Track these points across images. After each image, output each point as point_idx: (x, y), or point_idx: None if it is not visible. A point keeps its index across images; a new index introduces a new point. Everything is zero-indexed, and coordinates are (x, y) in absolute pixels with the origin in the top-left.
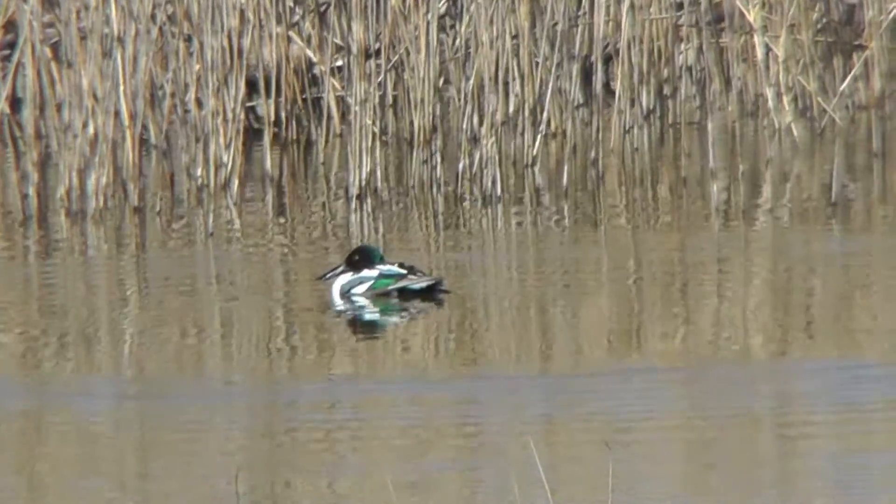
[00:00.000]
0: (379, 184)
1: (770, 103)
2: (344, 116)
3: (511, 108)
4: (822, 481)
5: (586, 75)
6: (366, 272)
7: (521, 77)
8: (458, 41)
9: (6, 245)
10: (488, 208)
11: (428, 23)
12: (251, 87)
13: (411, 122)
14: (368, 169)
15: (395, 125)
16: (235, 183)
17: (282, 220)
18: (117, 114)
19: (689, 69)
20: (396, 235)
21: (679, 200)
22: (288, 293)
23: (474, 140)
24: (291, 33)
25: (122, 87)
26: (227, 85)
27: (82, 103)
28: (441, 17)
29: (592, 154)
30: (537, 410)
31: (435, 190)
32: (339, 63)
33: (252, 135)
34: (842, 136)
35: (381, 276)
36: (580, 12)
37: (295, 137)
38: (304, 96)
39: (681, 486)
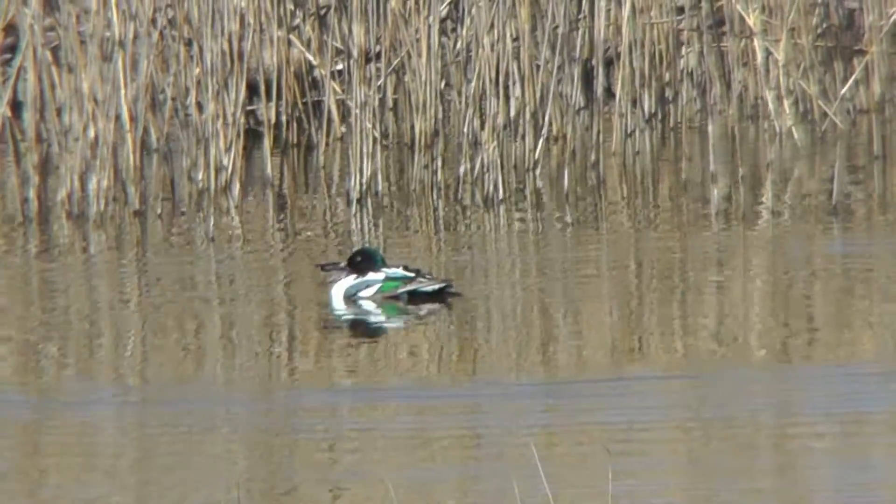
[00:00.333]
0: (380, 187)
1: (770, 107)
2: (344, 120)
3: (512, 112)
4: (823, 488)
5: (587, 79)
6: (371, 275)
7: (522, 81)
8: (458, 44)
9: (7, 248)
10: (489, 212)
11: (429, 26)
12: (252, 90)
13: (412, 126)
14: (369, 172)
15: (395, 129)
16: (236, 186)
17: (282, 224)
18: (118, 117)
19: (690, 73)
20: (397, 239)
21: (680, 204)
22: (289, 297)
23: (475, 144)
24: (292, 37)
25: (122, 91)
26: (228, 88)
27: (83, 107)
28: (442, 21)
29: (593, 157)
30: (538, 417)
31: (436, 194)
32: (340, 67)
33: (252, 138)
34: (842, 139)
35: (388, 278)
36: (581, 16)
37: (295, 141)
38: (304, 100)
39: (681, 493)
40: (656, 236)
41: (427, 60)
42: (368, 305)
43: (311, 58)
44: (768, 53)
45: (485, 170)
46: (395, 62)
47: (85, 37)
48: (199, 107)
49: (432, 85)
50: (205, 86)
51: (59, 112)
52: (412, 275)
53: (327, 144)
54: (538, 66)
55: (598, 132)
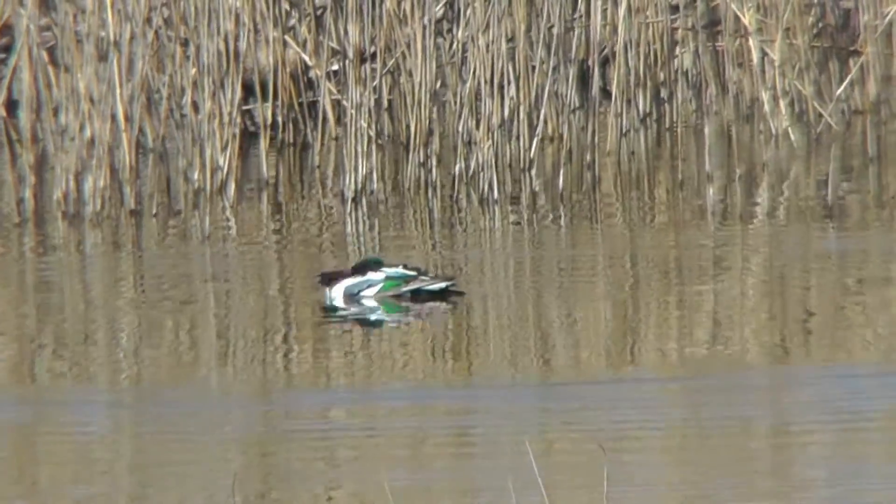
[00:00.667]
0: (375, 187)
1: (766, 107)
2: (340, 120)
3: (507, 112)
4: (819, 490)
5: (583, 79)
6: (371, 275)
7: (518, 80)
8: (454, 45)
9: (2, 248)
10: (485, 212)
11: (424, 26)
12: (247, 90)
13: (407, 126)
14: (364, 172)
15: (391, 128)
16: (232, 186)
17: (278, 224)
18: (114, 117)
19: (686, 73)
20: (392, 239)
21: (676, 204)
22: (285, 297)
23: (470, 143)
24: (287, 37)
25: (118, 91)
26: (224, 88)
27: (79, 107)
28: (437, 21)
29: (589, 157)
30: (534, 418)
31: (431, 193)
32: (336, 67)
33: (248, 138)
34: (838, 140)
35: (389, 278)
36: (576, 16)
37: (291, 141)
38: (300, 100)
39: (677, 494)
40: (652, 236)
41: (422, 60)
42: (370, 304)
43: (306, 58)
44: (764, 54)
45: (480, 169)
46: (391, 62)
47: (81, 36)
48: (195, 107)
49: (427, 85)
50: (201, 86)
51: (55, 112)
52: (413, 273)
53: (323, 144)
54: (533, 66)
55: (594, 132)
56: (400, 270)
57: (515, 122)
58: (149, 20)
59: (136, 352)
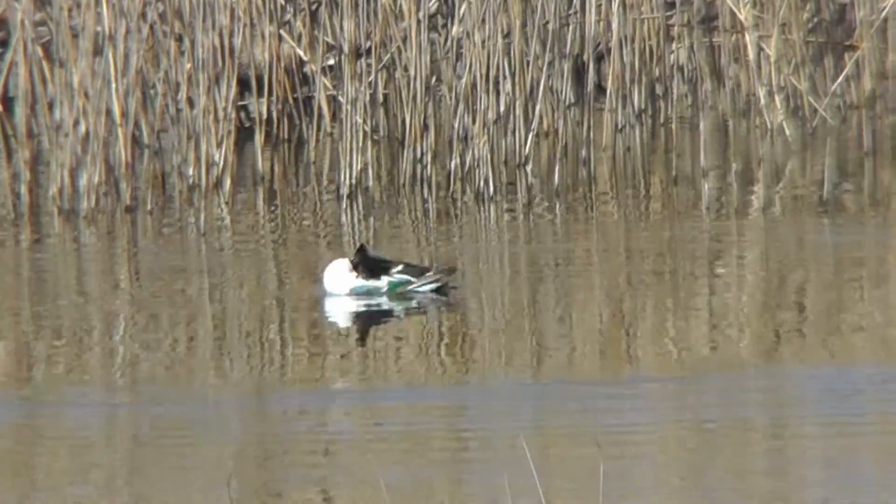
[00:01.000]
0: (370, 182)
1: (762, 102)
2: (335, 115)
3: (502, 107)
4: (816, 490)
5: (578, 74)
6: (373, 282)
7: (513, 76)
8: (449, 40)
9: None
10: (480, 207)
11: (419, 22)
12: (243, 86)
13: (402, 121)
14: (359, 167)
15: (386, 124)
16: (227, 182)
17: (273, 219)
18: (109, 112)
19: (681, 68)
20: (387, 234)
21: (671, 199)
22: (280, 294)
23: (466, 139)
24: (283, 32)
25: (113, 86)
26: (219, 84)
27: (74, 102)
28: (432, 16)
29: (584, 153)
30: (530, 417)
31: (426, 189)
32: (331, 62)
33: (244, 134)
34: (833, 135)
35: (391, 284)
36: (571, 11)
37: (286, 136)
38: (295, 95)
39: (674, 493)
40: (647, 231)
41: (417, 56)
42: (377, 301)
43: (301, 53)
44: (760, 49)
45: (475, 165)
46: (386, 58)
47: (76, 31)
48: (191, 102)
49: (423, 80)
50: (196, 81)
51: (50, 107)
52: (408, 277)
53: (318, 140)
54: (529, 62)
55: (589, 127)
56: (403, 277)
57: (511, 118)
58: (144, 15)
59: (132, 350)
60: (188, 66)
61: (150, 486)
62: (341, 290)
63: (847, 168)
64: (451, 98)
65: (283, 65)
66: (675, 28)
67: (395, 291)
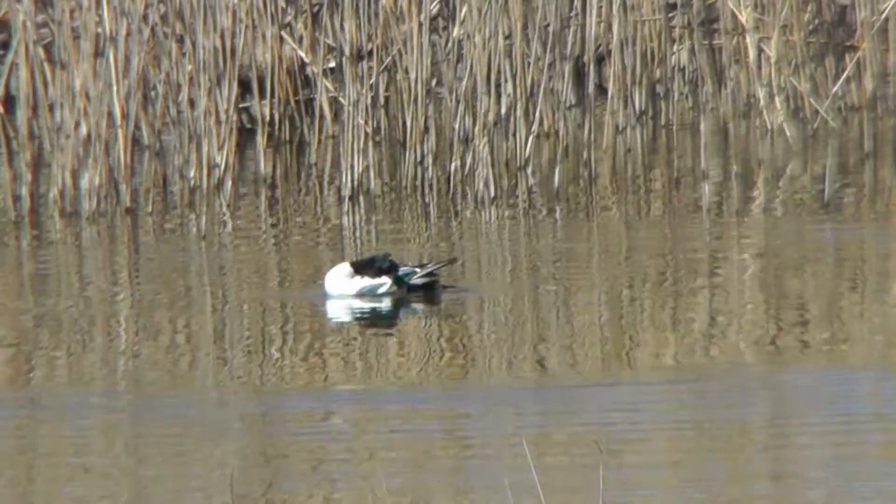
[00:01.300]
0: (371, 184)
1: (762, 104)
2: (336, 117)
3: (503, 109)
4: (817, 491)
5: (579, 76)
6: (378, 280)
7: (514, 78)
8: (450, 42)
9: None
10: (480, 209)
11: (420, 24)
12: (244, 87)
13: (404, 123)
14: (361, 169)
15: (387, 126)
16: (228, 184)
17: (275, 221)
18: (110, 114)
19: (682, 70)
20: (388, 236)
21: (672, 200)
22: (281, 296)
23: (466, 140)
24: (284, 34)
25: (115, 88)
26: (220, 85)
27: (75, 103)
28: (433, 19)
29: (585, 155)
30: (531, 420)
31: (427, 190)
32: (332, 64)
33: (245, 135)
34: (834, 136)
35: (396, 277)
36: (572, 13)
37: (288, 138)
38: (296, 97)
39: (674, 496)
40: (647, 233)
41: (418, 58)
42: (377, 303)
43: (303, 55)
44: (760, 50)
45: (476, 167)
46: (387, 60)
47: (77, 33)
48: (192, 104)
49: (424, 82)
50: (197, 83)
51: (51, 109)
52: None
53: (319, 141)
54: (529, 64)
55: (590, 129)
56: (406, 269)
57: (511, 120)
58: (145, 17)
59: (133, 352)
60: (189, 67)
61: (150, 487)
62: (346, 293)
63: (848, 169)
64: (451, 100)
65: (284, 66)
66: (676, 30)
67: (402, 284)
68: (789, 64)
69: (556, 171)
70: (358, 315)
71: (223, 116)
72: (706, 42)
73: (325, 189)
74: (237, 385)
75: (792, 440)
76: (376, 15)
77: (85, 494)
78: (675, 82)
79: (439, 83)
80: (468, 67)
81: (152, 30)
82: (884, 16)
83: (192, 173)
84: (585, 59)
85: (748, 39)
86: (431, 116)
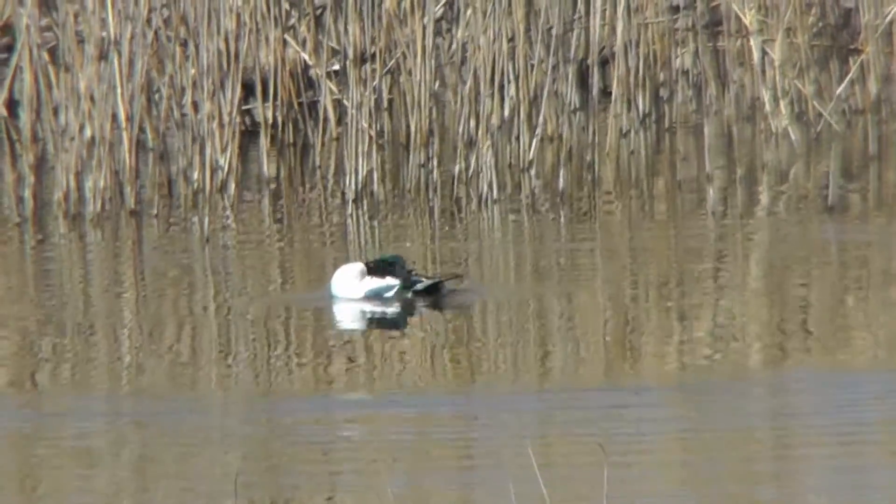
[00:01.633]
0: (375, 187)
1: (766, 107)
2: (340, 120)
3: (507, 112)
4: (820, 497)
5: (582, 79)
6: (387, 281)
7: (517, 80)
8: (454, 45)
9: (2, 248)
10: (484, 212)
11: (424, 26)
12: (248, 90)
13: (407, 126)
14: (365, 172)
15: (391, 128)
16: (232, 186)
17: (278, 224)
18: (114, 117)
19: (686, 73)
20: (392, 240)
21: (676, 204)
22: (285, 300)
23: (470, 143)
24: (287, 37)
25: (118, 91)
26: (224, 88)
27: (79, 106)
28: (437, 21)
29: (589, 157)
30: (536, 425)
31: (431, 193)
32: (336, 67)
33: (248, 138)
34: (838, 139)
35: (403, 282)
36: (576, 16)
37: (291, 141)
38: (300, 100)
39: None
40: (651, 235)
41: (422, 60)
42: (387, 306)
43: (306, 58)
44: (764, 53)
45: (480, 170)
46: (391, 62)
47: (82, 36)
48: (196, 106)
49: (427, 85)
50: (201, 85)
51: (55, 111)
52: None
53: (323, 144)
54: (533, 66)
55: (594, 132)
56: (414, 278)
57: (515, 122)
58: (149, 20)
59: (137, 355)
60: (193, 70)
61: (155, 492)
62: (353, 295)
63: (852, 172)
64: (455, 103)
65: (288, 69)
66: (680, 32)
67: (408, 287)
68: (793, 67)
69: (560, 173)
70: (363, 318)
71: (227, 119)
72: (710, 45)
73: (328, 191)
74: (242, 389)
75: (798, 446)
76: (380, 18)
77: (90, 502)
78: (678, 85)
79: (443, 86)
80: (472, 70)
81: (156, 33)
82: (888, 19)
83: (195, 175)
84: (589, 61)
85: (752, 42)
86: (435, 119)
